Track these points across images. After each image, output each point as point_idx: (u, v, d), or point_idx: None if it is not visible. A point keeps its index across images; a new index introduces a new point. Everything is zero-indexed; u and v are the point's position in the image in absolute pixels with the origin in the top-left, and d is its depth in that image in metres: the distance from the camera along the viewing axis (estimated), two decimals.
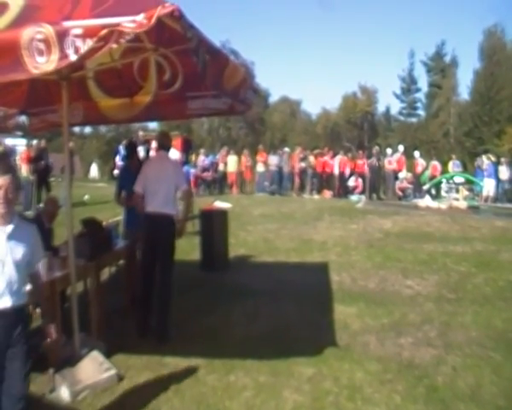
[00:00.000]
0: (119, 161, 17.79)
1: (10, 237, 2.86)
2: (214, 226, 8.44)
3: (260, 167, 22.43)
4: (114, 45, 2.60)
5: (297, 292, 7.00)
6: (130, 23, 2.51)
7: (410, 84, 56.35)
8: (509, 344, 5.11)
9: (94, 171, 35.62)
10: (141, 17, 2.51)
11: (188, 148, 25.29)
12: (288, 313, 6.14)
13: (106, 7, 2.73)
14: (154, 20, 2.50)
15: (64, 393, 4.01)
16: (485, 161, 20.73)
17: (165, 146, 5.69)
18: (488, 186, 19.63)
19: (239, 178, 22.86)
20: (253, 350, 4.92)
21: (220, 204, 13.43)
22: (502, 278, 7.63)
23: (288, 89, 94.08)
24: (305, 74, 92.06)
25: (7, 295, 2.86)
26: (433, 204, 16.80)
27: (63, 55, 2.55)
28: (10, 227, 2.86)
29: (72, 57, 2.54)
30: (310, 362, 4.66)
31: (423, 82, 56.19)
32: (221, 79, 3.66)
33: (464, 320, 5.83)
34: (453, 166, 21.63)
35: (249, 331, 5.52)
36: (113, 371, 4.29)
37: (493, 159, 21.49)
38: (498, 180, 20.28)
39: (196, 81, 4.00)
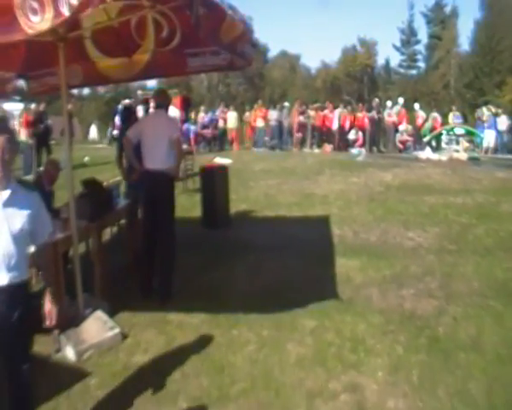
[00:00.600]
0: (118, 121, 17.62)
1: (6, 203, 2.55)
2: (215, 183, 8.38)
3: (260, 123, 22.22)
4: None
5: (299, 246, 7.00)
6: None
7: (409, 36, 55.29)
8: (510, 294, 5.12)
9: (93, 132, 35.35)
10: None
11: (187, 106, 25.05)
12: (290, 267, 6.15)
13: None
14: None
15: (69, 353, 4.04)
16: (486, 113, 20.50)
17: (161, 104, 5.58)
18: (488, 138, 19.46)
19: (240, 134, 22.73)
20: (256, 305, 4.94)
21: (221, 160, 13.32)
22: (502, 228, 7.61)
23: (287, 43, 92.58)
24: (304, 28, 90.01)
25: (3, 271, 2.55)
26: (434, 156, 16.69)
27: (58, 13, 2.45)
28: (7, 193, 2.56)
29: (67, 14, 2.44)
30: (312, 315, 4.69)
31: (423, 34, 55.08)
32: (218, 32, 3.57)
33: (465, 271, 5.84)
34: (454, 118, 21.38)
35: (252, 286, 5.54)
36: (117, 330, 4.31)
37: (493, 110, 21.25)
38: (498, 131, 20.09)
39: (195, 37, 3.89)
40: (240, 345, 4.20)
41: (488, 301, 4.94)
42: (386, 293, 5.27)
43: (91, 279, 5.01)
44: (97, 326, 4.30)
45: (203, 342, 4.27)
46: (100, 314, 4.43)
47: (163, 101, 5.62)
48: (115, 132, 19.12)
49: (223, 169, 9.09)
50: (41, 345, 3.95)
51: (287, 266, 6.19)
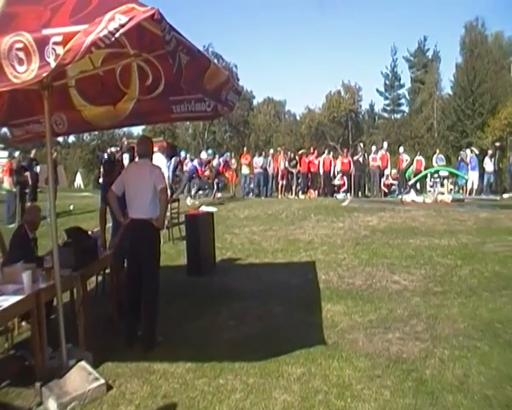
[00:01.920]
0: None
1: None
2: (200, 230, 8.45)
3: (245, 170, 22.50)
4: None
5: (284, 293, 7.05)
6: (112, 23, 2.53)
7: (393, 81, 56.96)
8: (496, 334, 5.21)
9: (79, 180, 35.54)
10: (122, 18, 2.54)
11: (173, 153, 25.27)
12: (275, 313, 6.19)
13: (85, 13, 2.75)
14: (134, 21, 2.53)
15: (51, 406, 3.99)
16: (469, 154, 20.99)
17: (144, 153, 5.55)
18: (472, 179, 19.89)
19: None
20: (242, 352, 4.95)
21: (206, 208, 13.45)
22: (487, 269, 7.78)
23: (272, 90, 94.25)
24: (289, 75, 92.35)
25: None
26: (419, 199, 16.99)
27: (43, 64, 2.55)
28: None
29: (53, 65, 2.55)
30: (299, 362, 4.71)
31: (406, 78, 56.93)
32: (201, 80, 3.69)
33: (451, 312, 5.92)
34: (436, 160, 21.86)
35: (237, 334, 5.55)
36: (101, 381, 4.28)
37: (477, 152, 21.78)
38: (483, 172, 20.54)
39: (179, 85, 4.03)
40: (226, 393, 4.19)
41: (474, 342, 5.01)
42: (372, 337, 5.31)
43: (75, 329, 5.00)
44: (81, 378, 4.27)
45: (189, 391, 4.26)
46: (83, 365, 4.41)
47: (145, 149, 5.57)
48: (101, 180, 19.28)
49: (207, 216, 9.20)
50: (23, 399, 3.94)
51: (272, 312, 6.23)
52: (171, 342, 5.28)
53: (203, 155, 20.36)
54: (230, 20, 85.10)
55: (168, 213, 9.39)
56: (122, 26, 2.57)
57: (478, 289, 6.85)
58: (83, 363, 4.43)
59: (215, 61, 47.57)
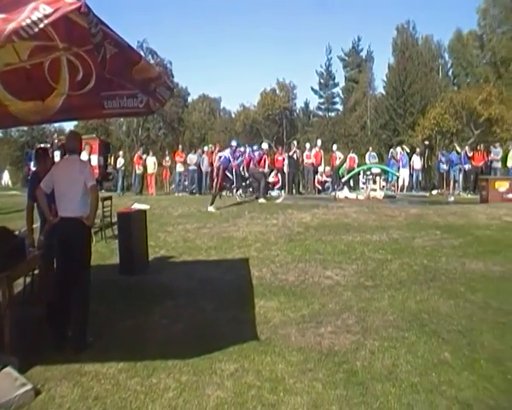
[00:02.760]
0: (32, 166, 17.14)
1: None
2: (132, 228, 8.34)
3: (179, 167, 22.37)
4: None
5: (218, 290, 7.08)
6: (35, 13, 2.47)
7: (327, 80, 58.16)
8: (423, 324, 5.46)
9: (6, 178, 34.22)
10: (47, 8, 2.49)
11: (106, 150, 24.77)
12: (208, 311, 6.21)
13: (8, 1, 2.68)
14: (59, 13, 2.49)
15: None
16: (399, 152, 21.80)
17: (72, 149, 5.40)
18: (403, 176, 20.67)
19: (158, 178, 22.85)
20: (175, 351, 4.95)
21: (138, 206, 13.26)
22: (416, 262, 8.14)
23: (207, 87, 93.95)
24: (225, 72, 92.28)
25: None
26: (352, 195, 17.46)
27: None
28: None
29: None
30: (232, 358, 4.76)
31: (341, 77, 58.34)
32: (129, 71, 3.66)
33: (381, 305, 6.15)
34: (369, 157, 22.54)
35: (170, 332, 5.53)
36: (28, 387, 4.14)
37: (407, 150, 22.67)
38: (412, 170, 21.41)
39: (110, 80, 3.97)
40: (159, 392, 4.18)
41: (403, 333, 5.23)
42: (304, 331, 5.43)
43: (0, 334, 4.83)
44: (6, 384, 4.13)
45: (121, 391, 4.21)
46: (9, 371, 4.26)
47: (75, 145, 5.44)
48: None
49: (140, 214, 9.08)
50: None
51: (205, 310, 6.25)
52: (102, 343, 5.20)
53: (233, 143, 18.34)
54: (165, 17, 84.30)
55: (100, 211, 9.23)
56: (46, 16, 2.52)
57: (407, 282, 7.15)
58: (8, 369, 4.30)
59: (149, 57, 47.25)
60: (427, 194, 20.73)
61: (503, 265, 7.95)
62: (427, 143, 26.65)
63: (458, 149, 22.52)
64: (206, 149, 23.36)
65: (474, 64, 52.41)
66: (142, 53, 45.46)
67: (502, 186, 16.71)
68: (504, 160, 21.17)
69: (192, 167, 21.94)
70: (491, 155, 21.21)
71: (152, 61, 46.27)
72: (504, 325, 5.37)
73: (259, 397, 4.05)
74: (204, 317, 6.00)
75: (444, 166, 21.66)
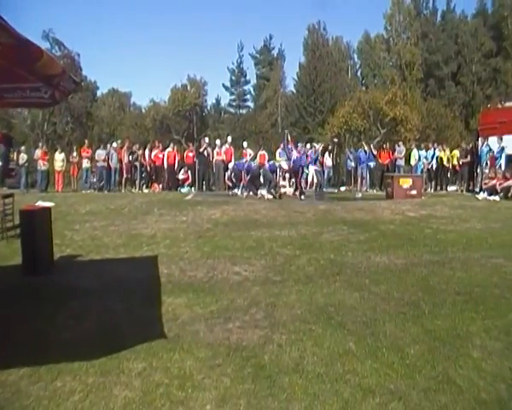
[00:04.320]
0: None
1: None
2: (36, 226, 7.97)
3: (86, 163, 21.76)
4: None
5: (126, 288, 6.95)
6: None
7: (239, 77, 58.85)
8: (329, 317, 5.65)
9: None
10: None
11: (8, 144, 23.55)
12: (116, 310, 6.07)
13: None
14: None
15: None
16: (309, 149, 22.37)
17: None
18: (312, 173, 21.20)
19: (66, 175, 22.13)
20: (81, 352, 4.78)
21: (43, 203, 12.75)
22: (323, 257, 8.40)
23: (117, 81, 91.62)
24: (135, 67, 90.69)
25: None
26: (262, 192, 17.69)
27: None
28: None
29: None
30: (140, 357, 4.69)
31: (252, 75, 59.16)
32: (30, 66, 3.53)
33: (289, 300, 6.29)
34: (279, 154, 22.94)
35: (77, 333, 5.35)
36: None
37: (317, 147, 23.28)
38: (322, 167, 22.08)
39: (11, 72, 3.80)
40: (63, 396, 4.03)
41: (310, 326, 5.38)
42: (213, 327, 5.45)
43: None
44: None
45: (22, 399, 4.01)
46: None
47: None
48: None
49: (44, 211, 8.72)
50: None
51: (112, 309, 6.11)
52: (3, 349, 4.94)
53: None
54: (74, 7, 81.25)
55: (1, 208, 8.82)
56: None
57: (314, 276, 7.36)
58: None
59: (56, 48, 45.31)
60: (336, 190, 21.45)
61: (405, 258, 8.40)
62: (336, 140, 27.55)
63: (366, 147, 23.46)
64: (115, 144, 22.81)
65: (382, 66, 55.11)
66: (47, 44, 43.87)
67: (405, 183, 17.64)
68: (408, 158, 22.35)
69: (100, 164, 21.41)
70: (396, 153, 22.31)
71: (58, 53, 44.61)
72: (405, 315, 5.67)
73: (168, 394, 4.03)
74: (111, 316, 5.87)
75: (352, 164, 22.51)
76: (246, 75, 59.26)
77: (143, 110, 56.45)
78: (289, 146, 19.51)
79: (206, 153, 21.89)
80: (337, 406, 3.80)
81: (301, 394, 3.99)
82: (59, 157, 22.09)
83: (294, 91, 55.20)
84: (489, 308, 5.85)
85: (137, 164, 21.74)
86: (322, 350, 4.77)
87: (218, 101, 60.01)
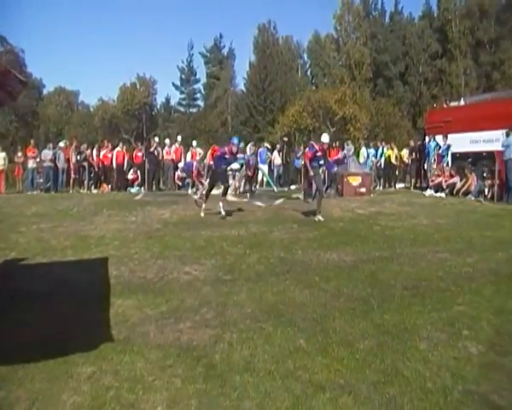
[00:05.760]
0: None
1: None
2: None
3: (31, 164, 21.20)
4: None
5: (74, 291, 6.78)
6: None
7: (189, 76, 58.57)
8: (279, 314, 5.70)
9: None
10: None
11: None
12: (64, 314, 5.92)
13: None
14: None
15: None
16: (261, 149, 22.54)
17: None
18: (262, 171, 21.39)
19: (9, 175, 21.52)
20: (27, 359, 4.64)
21: None
22: (273, 255, 8.47)
23: (64, 80, 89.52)
24: (83, 65, 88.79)
25: None
26: (213, 192, 17.62)
27: None
28: None
29: None
30: (89, 361, 4.61)
31: (202, 73, 59.10)
32: None
33: (239, 298, 6.32)
34: None
35: (23, 340, 5.19)
36: None
37: (268, 146, 23.48)
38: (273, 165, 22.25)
39: None
40: (7, 407, 3.92)
41: (260, 324, 5.42)
42: (163, 328, 5.42)
43: None
44: None
45: None
46: None
47: None
48: None
49: None
50: None
51: (60, 313, 5.96)
52: None
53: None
54: (19, 4, 78.74)
55: None
56: None
57: (264, 274, 7.41)
58: None
59: None
60: (286, 189, 21.63)
61: (354, 254, 8.58)
62: (285, 139, 27.77)
63: (316, 146, 23.67)
64: (62, 144, 22.22)
65: (331, 65, 55.97)
66: None
67: (355, 181, 17.94)
68: (357, 156, 22.75)
69: (47, 164, 20.86)
70: (345, 151, 22.66)
71: (1, 49, 43.20)
72: (354, 311, 5.80)
73: (118, 398, 3.99)
74: (59, 320, 5.72)
75: (301, 162, 22.72)
76: (196, 74, 59.10)
77: (92, 109, 55.57)
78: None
79: (155, 152, 21.70)
80: (288, 402, 3.85)
81: (252, 392, 4.02)
82: (1, 157, 21.41)
83: (244, 90, 55.36)
84: (435, 301, 6.08)
85: (85, 164, 21.32)
86: (273, 348, 4.82)
87: (167, 100, 59.65)
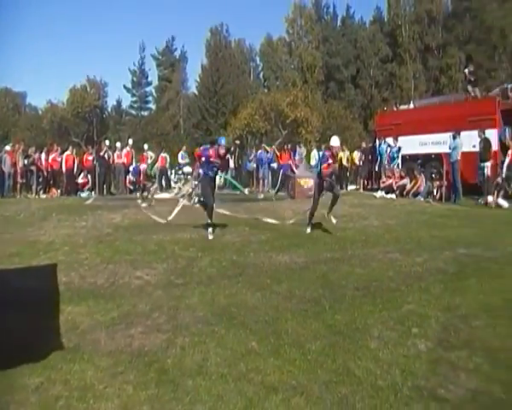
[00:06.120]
0: None
1: None
2: None
3: None
4: None
5: (21, 300, 6.53)
6: None
7: (140, 78, 58.12)
8: (231, 317, 5.72)
9: None
10: None
11: None
12: (11, 324, 5.72)
13: None
14: None
15: None
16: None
17: None
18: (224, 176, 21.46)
19: None
20: None
21: None
22: (225, 258, 8.46)
23: (10, 81, 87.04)
24: (31, 66, 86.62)
25: None
26: (163, 195, 17.57)
27: None
28: None
29: None
30: (36, 371, 4.48)
31: (154, 76, 58.72)
32: None
33: (191, 302, 6.29)
34: (181, 156, 22.95)
35: None
36: None
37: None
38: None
39: None
40: None
41: (212, 327, 5.41)
42: (114, 334, 5.34)
43: None
44: None
45: None
46: None
47: None
48: None
49: None
50: None
51: (7, 323, 5.77)
52: None
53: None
54: None
55: None
56: None
57: (216, 277, 7.41)
58: None
59: None
60: (238, 192, 21.67)
61: (306, 256, 8.67)
62: (237, 142, 27.85)
63: (268, 148, 23.89)
64: (8, 147, 21.52)
65: (283, 68, 56.61)
66: None
67: (306, 183, 18.12)
68: (308, 158, 23.04)
69: None
70: (296, 154, 22.92)
71: None
72: (306, 312, 5.87)
73: (68, 407, 3.92)
74: (5, 331, 5.53)
75: (253, 165, 22.86)
76: (147, 77, 58.82)
77: (40, 111, 54.30)
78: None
79: (106, 156, 21.40)
80: (241, 405, 3.87)
81: (205, 395, 4.02)
82: None
83: (197, 93, 55.33)
84: (385, 301, 6.20)
85: (33, 168, 20.77)
86: (226, 351, 4.82)
87: (118, 102, 59.14)
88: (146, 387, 4.18)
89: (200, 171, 11.35)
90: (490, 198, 15.85)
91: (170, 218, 11.73)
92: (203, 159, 10.78)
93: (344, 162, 23.53)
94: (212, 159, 10.55)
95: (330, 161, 10.74)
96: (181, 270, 7.84)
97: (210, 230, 10.33)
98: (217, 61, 52.71)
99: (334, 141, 10.95)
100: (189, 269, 7.88)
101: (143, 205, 14.69)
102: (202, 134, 48.28)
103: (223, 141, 10.98)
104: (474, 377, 4.28)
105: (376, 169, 21.30)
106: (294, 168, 20.84)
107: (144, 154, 22.28)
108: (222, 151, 10.65)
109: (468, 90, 19.55)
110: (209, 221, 10.52)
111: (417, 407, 3.83)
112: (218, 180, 15.10)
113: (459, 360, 4.60)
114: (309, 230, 10.89)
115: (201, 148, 11.42)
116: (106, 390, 4.16)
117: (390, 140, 20.10)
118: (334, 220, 10.95)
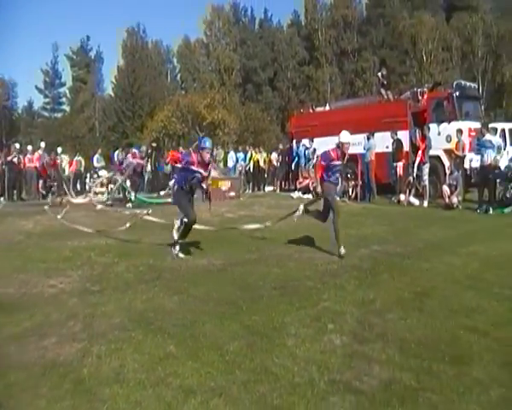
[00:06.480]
0: None
1: None
2: None
3: None
4: None
5: None
6: None
7: (53, 79, 56.25)
8: (149, 322, 5.65)
9: None
10: None
11: None
12: None
13: None
14: None
15: None
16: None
17: None
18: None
19: None
20: None
21: None
22: (142, 263, 8.37)
23: None
24: None
25: None
26: (78, 200, 17.12)
27: None
28: None
29: None
30: None
31: (68, 77, 57.04)
32: None
33: (108, 309, 6.15)
34: (97, 159, 22.43)
35: None
36: None
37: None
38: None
39: None
40: None
41: (130, 333, 5.32)
42: (26, 346, 5.12)
43: None
44: None
45: None
46: None
47: None
48: None
49: None
50: None
51: None
52: None
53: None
54: None
55: None
56: None
57: (133, 282, 7.31)
58: None
59: None
60: (155, 195, 21.45)
61: (224, 258, 8.73)
62: (154, 145, 27.52)
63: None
64: None
65: (201, 70, 56.59)
66: None
67: (224, 185, 18.23)
68: (225, 160, 23.16)
69: None
70: (214, 156, 22.96)
71: None
72: (224, 314, 5.89)
73: None
74: None
75: (167, 168, 22.71)
76: (61, 77, 57.03)
77: None
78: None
79: (16, 160, 20.54)
80: None
81: (122, 403, 3.95)
82: None
83: (112, 95, 54.27)
84: (302, 299, 6.37)
85: None
86: (143, 356, 4.76)
87: (30, 104, 56.96)
88: (61, 399, 4.04)
89: (173, 180, 9.66)
90: (402, 197, 16.67)
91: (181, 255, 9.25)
92: (180, 165, 9.07)
93: (261, 164, 23.87)
94: (193, 167, 8.77)
95: (336, 161, 9.33)
96: (97, 276, 7.67)
97: (177, 248, 8.98)
98: (133, 63, 51.95)
99: (345, 136, 9.31)
100: (106, 275, 7.73)
101: (46, 207, 14.13)
102: (118, 137, 47.44)
103: (207, 143, 8.85)
104: (387, 367, 4.47)
105: (293, 169, 21.72)
106: (212, 170, 20.84)
107: (57, 157, 21.55)
108: (207, 157, 8.85)
109: (382, 93, 20.41)
110: (177, 238, 8.99)
111: (334, 400, 3.94)
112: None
113: (373, 352, 4.80)
114: (343, 250, 8.86)
115: (182, 151, 10.35)
116: (15, 408, 4.00)
117: (306, 141, 20.54)
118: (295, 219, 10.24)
